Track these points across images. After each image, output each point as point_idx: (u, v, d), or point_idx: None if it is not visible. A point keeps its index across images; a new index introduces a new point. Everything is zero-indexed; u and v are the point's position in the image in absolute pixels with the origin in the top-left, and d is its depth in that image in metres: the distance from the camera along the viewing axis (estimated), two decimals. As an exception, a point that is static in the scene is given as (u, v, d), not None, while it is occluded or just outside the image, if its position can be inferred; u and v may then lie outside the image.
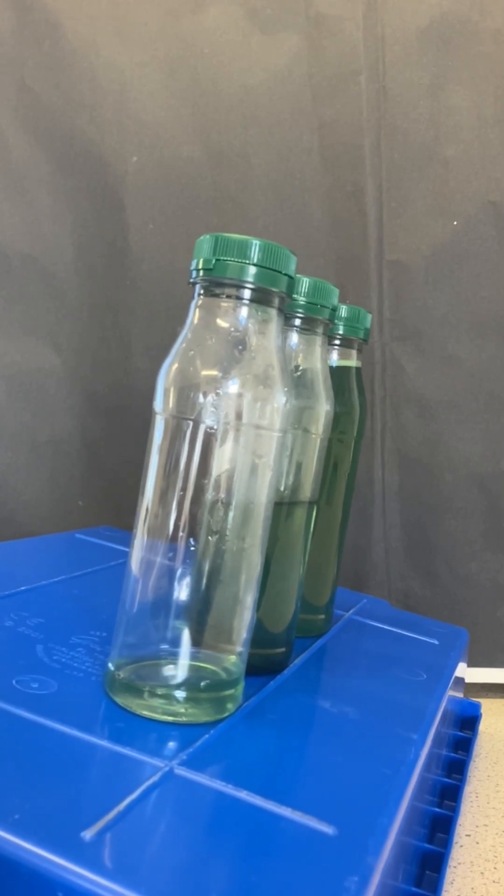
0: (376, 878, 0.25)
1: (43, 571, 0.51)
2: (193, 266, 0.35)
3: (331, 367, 0.45)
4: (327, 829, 0.27)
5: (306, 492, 0.42)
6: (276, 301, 0.35)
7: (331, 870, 0.25)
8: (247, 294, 0.34)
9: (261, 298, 0.34)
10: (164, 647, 0.34)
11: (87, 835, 0.24)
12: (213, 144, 0.71)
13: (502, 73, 0.70)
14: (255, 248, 0.33)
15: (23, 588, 0.47)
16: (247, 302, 0.34)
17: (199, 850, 0.25)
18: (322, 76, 0.70)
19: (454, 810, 0.43)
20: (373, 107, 0.70)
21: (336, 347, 0.48)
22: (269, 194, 0.72)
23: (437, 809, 0.42)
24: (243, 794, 0.28)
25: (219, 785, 0.29)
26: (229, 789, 0.29)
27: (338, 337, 0.48)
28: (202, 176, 0.71)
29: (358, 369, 0.49)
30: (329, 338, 0.46)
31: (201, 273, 0.34)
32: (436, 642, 0.54)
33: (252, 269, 0.33)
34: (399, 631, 0.55)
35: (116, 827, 0.25)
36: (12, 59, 0.69)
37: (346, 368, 0.48)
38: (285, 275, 0.34)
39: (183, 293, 0.73)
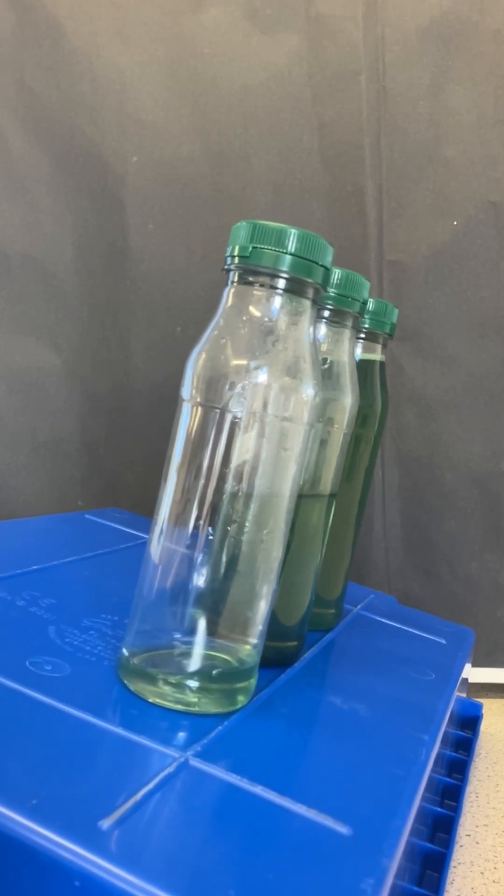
0: (390, 881, 0.25)
1: (53, 551, 0.51)
2: (228, 252, 0.34)
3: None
4: (342, 828, 0.27)
5: (326, 485, 0.41)
6: (311, 292, 0.34)
7: (346, 871, 0.25)
8: (281, 284, 0.33)
9: (295, 289, 0.34)
10: (180, 635, 0.34)
11: (105, 824, 0.24)
12: (213, 144, 0.71)
13: (502, 73, 0.70)
14: (293, 237, 0.33)
15: (34, 567, 0.47)
16: (281, 292, 0.34)
17: (216, 844, 0.25)
18: (322, 76, 0.70)
19: (455, 810, 0.43)
20: (373, 107, 0.70)
21: (361, 341, 0.47)
22: (269, 194, 0.72)
23: (438, 809, 0.42)
24: (258, 790, 0.28)
25: (234, 779, 0.29)
26: (244, 784, 0.29)
27: (363, 331, 0.47)
28: (202, 176, 0.71)
29: (382, 364, 0.49)
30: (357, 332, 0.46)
31: (236, 260, 0.33)
32: (443, 641, 0.54)
33: (288, 259, 0.33)
34: (407, 628, 0.55)
35: (133, 817, 0.25)
36: (12, 59, 0.69)
37: (370, 362, 0.48)
38: (321, 266, 0.34)
39: (183, 293, 0.73)
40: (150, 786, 0.27)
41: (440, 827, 0.41)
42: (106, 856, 0.22)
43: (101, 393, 0.74)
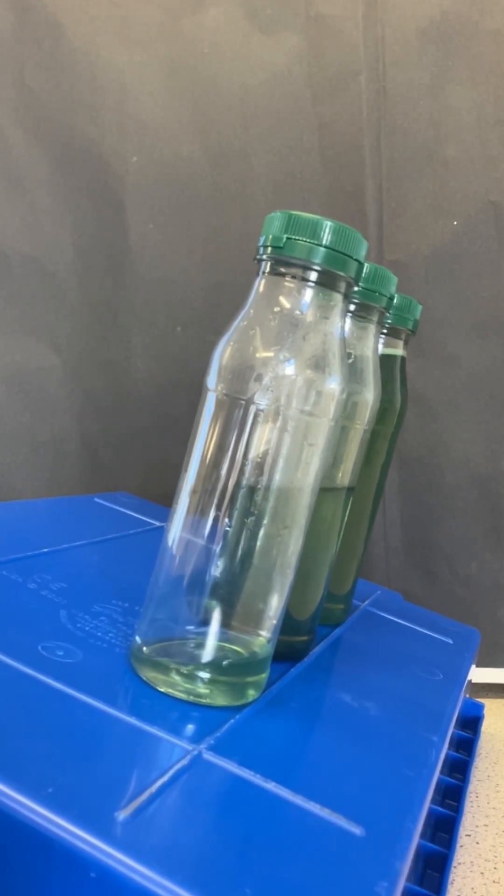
0: (402, 884, 0.25)
1: (63, 534, 0.51)
2: (261, 242, 0.34)
3: None
4: (355, 829, 0.27)
5: (344, 479, 0.41)
6: (343, 286, 0.34)
7: (361, 873, 0.25)
8: (314, 276, 0.33)
9: (328, 282, 0.33)
10: (194, 626, 0.33)
11: (121, 816, 0.24)
12: (213, 144, 0.71)
13: (502, 73, 0.70)
14: (328, 229, 0.32)
15: (45, 550, 0.47)
16: (313, 284, 0.33)
17: (231, 841, 0.25)
18: (322, 76, 0.70)
19: (457, 810, 0.43)
20: (373, 107, 0.70)
21: (382, 336, 0.47)
22: (269, 194, 0.72)
23: (440, 809, 0.42)
24: (271, 786, 0.28)
25: (247, 774, 0.29)
26: (258, 779, 0.28)
27: (386, 326, 0.47)
28: (202, 176, 0.71)
29: (403, 359, 0.48)
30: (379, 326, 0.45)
31: (269, 250, 0.33)
32: (450, 641, 0.54)
33: (322, 251, 0.32)
34: (414, 627, 0.55)
35: (149, 809, 0.25)
36: (12, 59, 0.69)
37: (392, 357, 0.47)
38: (355, 260, 0.33)
39: (183, 293, 0.73)
40: (165, 778, 0.27)
41: (441, 827, 0.41)
42: (123, 848, 0.22)
43: (101, 393, 0.74)
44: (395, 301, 0.46)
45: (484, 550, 0.73)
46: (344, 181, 0.71)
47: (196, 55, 0.70)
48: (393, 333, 0.47)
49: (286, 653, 0.40)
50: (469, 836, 0.45)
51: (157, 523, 0.61)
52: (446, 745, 0.37)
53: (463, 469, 0.72)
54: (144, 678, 0.33)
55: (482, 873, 0.41)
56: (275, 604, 0.35)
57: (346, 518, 0.42)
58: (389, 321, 0.47)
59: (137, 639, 0.35)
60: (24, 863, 0.23)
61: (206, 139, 0.71)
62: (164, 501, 0.68)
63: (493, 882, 0.41)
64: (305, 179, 0.71)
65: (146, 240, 0.72)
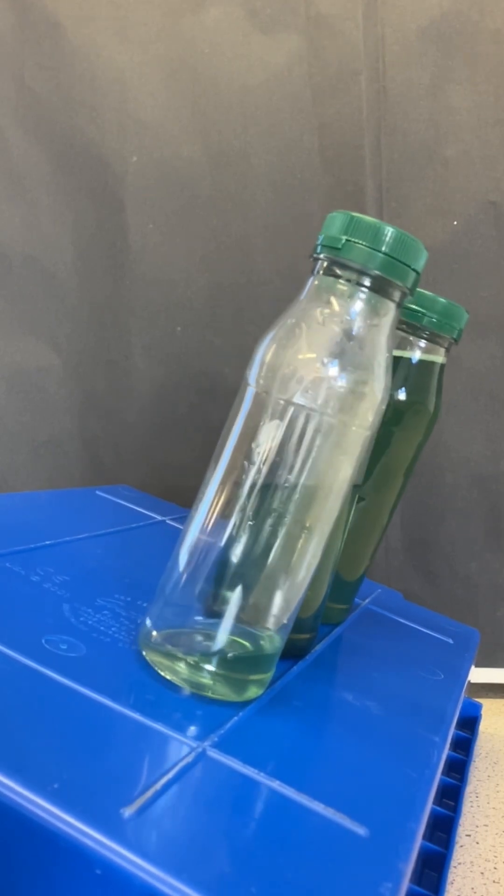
0: (406, 885, 0.25)
1: (66, 527, 0.51)
2: (319, 241, 0.33)
3: (412, 362, 0.44)
4: (359, 829, 0.27)
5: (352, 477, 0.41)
6: (398, 295, 0.33)
7: (365, 874, 0.25)
8: (369, 282, 0.32)
9: (382, 290, 0.32)
10: (204, 618, 0.33)
11: (127, 812, 0.24)
12: (213, 144, 0.71)
13: (502, 73, 0.70)
14: (389, 235, 0.32)
15: (47, 542, 0.47)
16: (367, 290, 0.32)
17: (237, 839, 0.25)
18: (322, 76, 0.70)
19: (455, 810, 0.43)
20: (373, 107, 0.70)
21: (423, 341, 0.45)
22: (269, 194, 0.72)
23: (438, 809, 0.42)
24: (276, 785, 0.28)
25: (251, 772, 0.29)
26: (262, 778, 0.28)
27: (427, 331, 0.45)
28: (202, 176, 0.71)
29: (442, 367, 0.47)
30: (418, 330, 0.44)
31: (326, 250, 0.33)
32: (450, 641, 0.54)
33: (380, 257, 0.32)
34: (415, 626, 0.55)
35: (154, 807, 0.25)
36: (12, 59, 0.69)
37: (431, 364, 0.46)
38: (413, 270, 0.33)
39: (183, 293, 0.73)
40: (170, 775, 0.27)
41: (439, 826, 0.41)
42: (129, 845, 0.22)
43: (101, 393, 0.74)
44: (439, 307, 0.45)
45: (484, 550, 0.73)
46: (344, 181, 0.71)
47: (196, 55, 0.70)
48: (434, 340, 0.46)
49: (289, 650, 0.40)
50: (469, 836, 0.45)
51: (159, 517, 0.61)
52: (447, 746, 0.37)
53: (463, 469, 0.72)
54: (149, 661, 0.33)
55: (482, 873, 0.41)
56: (286, 604, 0.34)
57: (350, 515, 0.42)
58: (432, 328, 0.45)
59: (148, 622, 0.35)
60: (30, 859, 0.23)
61: (206, 139, 0.71)
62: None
63: (493, 882, 0.41)
64: (305, 179, 0.71)
65: (146, 240, 0.72)
